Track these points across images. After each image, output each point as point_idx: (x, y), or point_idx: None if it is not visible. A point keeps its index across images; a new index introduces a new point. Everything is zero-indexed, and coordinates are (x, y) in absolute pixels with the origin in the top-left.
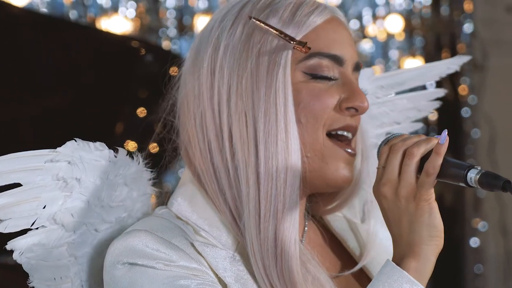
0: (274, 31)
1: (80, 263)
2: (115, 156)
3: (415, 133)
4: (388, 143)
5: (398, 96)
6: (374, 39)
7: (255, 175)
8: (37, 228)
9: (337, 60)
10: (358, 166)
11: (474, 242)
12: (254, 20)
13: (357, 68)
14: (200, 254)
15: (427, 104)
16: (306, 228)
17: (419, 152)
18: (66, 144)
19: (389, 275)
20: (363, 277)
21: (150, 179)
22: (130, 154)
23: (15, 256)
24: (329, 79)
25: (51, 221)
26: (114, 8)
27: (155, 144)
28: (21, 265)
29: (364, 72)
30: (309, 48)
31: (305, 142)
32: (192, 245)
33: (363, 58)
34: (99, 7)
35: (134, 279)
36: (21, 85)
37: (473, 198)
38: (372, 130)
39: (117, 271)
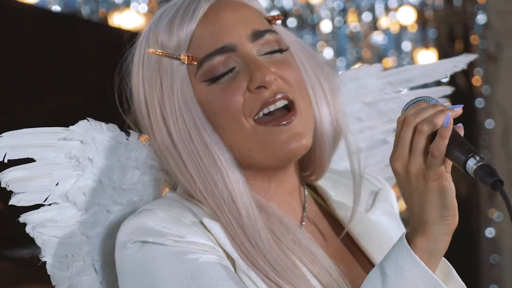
0: (163, 55)
1: (92, 243)
2: (127, 139)
3: None
4: (405, 113)
5: (406, 93)
6: (386, 31)
7: (202, 195)
8: (49, 205)
9: (227, 49)
10: (362, 162)
11: (489, 232)
12: (148, 51)
13: (255, 36)
14: (209, 231)
15: None
16: (306, 203)
17: (429, 129)
18: (78, 123)
19: (397, 254)
20: (357, 251)
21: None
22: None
23: (27, 229)
24: (227, 72)
25: (64, 199)
26: (126, 3)
27: None
28: (36, 260)
29: (373, 68)
30: (196, 57)
31: (240, 140)
32: (201, 222)
33: (375, 50)
34: (111, 2)
35: (144, 257)
36: (28, 84)
37: (488, 189)
38: (380, 126)
39: (128, 250)
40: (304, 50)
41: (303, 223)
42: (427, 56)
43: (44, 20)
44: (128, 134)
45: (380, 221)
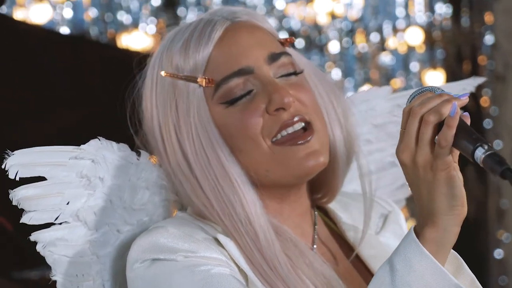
0: (178, 78)
1: (102, 263)
2: (138, 159)
3: None
4: (410, 104)
5: None
6: (394, 51)
7: (219, 218)
8: (60, 223)
9: (244, 72)
10: (373, 184)
11: (498, 253)
12: (161, 74)
13: (271, 58)
14: (223, 247)
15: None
16: (316, 225)
17: (435, 119)
18: (90, 142)
19: (406, 247)
20: (363, 269)
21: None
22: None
23: (38, 248)
24: (245, 94)
25: (74, 218)
26: (135, 24)
27: None
28: (44, 281)
29: (382, 90)
30: (213, 80)
31: (257, 161)
32: (215, 239)
33: (383, 71)
34: (119, 23)
35: (156, 273)
36: (37, 102)
37: (497, 210)
38: (389, 149)
39: (140, 268)
40: (316, 72)
41: (315, 246)
42: (435, 77)
43: (52, 42)
44: (138, 154)
45: (390, 244)
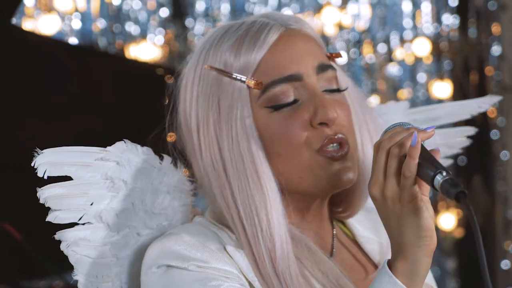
0: (225, 75)
1: (121, 265)
2: (160, 163)
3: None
4: (380, 139)
5: None
6: (402, 62)
7: (239, 221)
8: (83, 224)
9: (293, 78)
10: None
11: (505, 264)
12: (208, 68)
13: (320, 68)
14: (232, 258)
15: (457, 142)
16: (334, 233)
17: (400, 152)
18: (115, 144)
19: (381, 281)
20: None
21: (191, 190)
22: (174, 163)
23: (62, 247)
24: (291, 103)
25: (97, 219)
26: (143, 35)
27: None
28: None
29: (400, 105)
30: (261, 83)
31: (294, 167)
32: (225, 249)
33: (391, 82)
34: (127, 34)
35: (168, 282)
36: (47, 112)
37: (503, 221)
38: None
39: (153, 275)
40: (354, 90)
41: (332, 256)
42: (442, 88)
43: (61, 52)
44: (161, 158)
45: None
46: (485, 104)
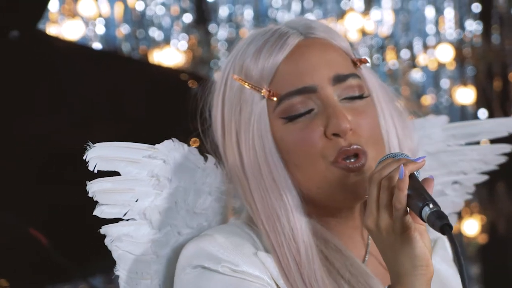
0: (247, 85)
1: (161, 263)
2: (204, 164)
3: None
4: (372, 171)
5: (468, 147)
6: (425, 68)
7: (263, 228)
8: (128, 220)
9: (307, 90)
10: None
11: None
12: (232, 77)
13: (336, 79)
14: (263, 264)
15: (494, 158)
16: (369, 242)
17: (390, 184)
18: (164, 142)
19: None
20: None
21: (231, 192)
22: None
23: (106, 241)
24: (305, 113)
25: (141, 216)
26: (166, 41)
27: None
28: None
29: (439, 119)
30: (276, 94)
31: (311, 178)
32: (256, 254)
33: (414, 88)
34: (151, 39)
35: (199, 285)
36: (71, 119)
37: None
38: (439, 177)
39: (186, 275)
40: (385, 94)
41: (366, 259)
42: (465, 94)
43: (85, 57)
44: (206, 158)
45: (439, 268)
46: None
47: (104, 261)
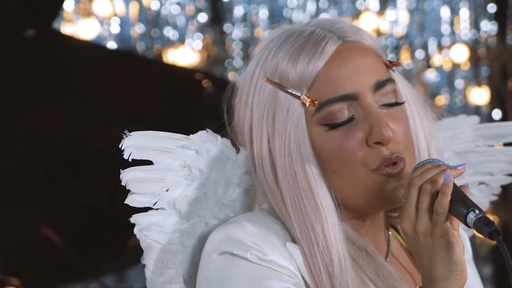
0: (282, 90)
1: (186, 253)
2: (236, 155)
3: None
4: (411, 175)
5: (497, 148)
6: (439, 68)
7: (296, 236)
8: (157, 209)
9: (350, 98)
10: None
11: None
12: (265, 80)
13: (377, 86)
14: (291, 255)
15: None
16: (390, 240)
17: (432, 189)
18: (198, 133)
19: None
20: None
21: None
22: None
23: (135, 230)
24: (347, 122)
25: (171, 205)
26: (181, 40)
27: None
28: None
29: (470, 119)
30: (316, 100)
31: (350, 185)
32: (285, 244)
33: (428, 88)
34: (166, 39)
35: (225, 271)
36: (88, 119)
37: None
38: (466, 177)
39: (213, 261)
40: (414, 97)
41: (387, 259)
42: (480, 94)
43: (100, 56)
44: (237, 150)
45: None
46: None
47: (116, 260)
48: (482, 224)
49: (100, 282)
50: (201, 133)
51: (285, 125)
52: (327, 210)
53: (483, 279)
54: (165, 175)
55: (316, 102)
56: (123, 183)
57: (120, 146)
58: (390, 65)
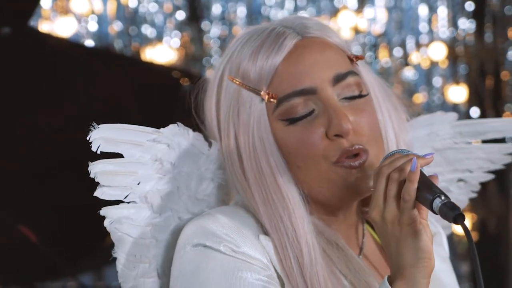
0: (244, 87)
1: (160, 247)
2: (209, 150)
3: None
4: (380, 165)
5: (475, 146)
6: (417, 66)
7: (270, 227)
8: (128, 202)
9: (308, 92)
10: None
11: None
12: (228, 78)
13: (336, 79)
14: (264, 248)
15: (500, 157)
16: (364, 237)
17: (400, 177)
18: (169, 126)
19: None
20: None
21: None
22: None
23: (105, 223)
24: (306, 115)
25: (142, 199)
26: (159, 38)
27: None
28: None
29: (448, 116)
30: (275, 96)
31: (313, 178)
32: (258, 237)
33: (406, 86)
34: (143, 36)
35: (199, 263)
36: (65, 117)
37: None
38: (445, 174)
39: (186, 254)
40: (382, 90)
41: (360, 256)
42: (458, 92)
43: (77, 54)
44: (210, 144)
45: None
46: None
47: (94, 258)
48: (447, 209)
49: (77, 280)
50: (172, 127)
51: (248, 121)
52: (293, 203)
53: (460, 276)
54: (136, 169)
55: (275, 98)
56: (92, 175)
57: (88, 138)
58: (354, 58)
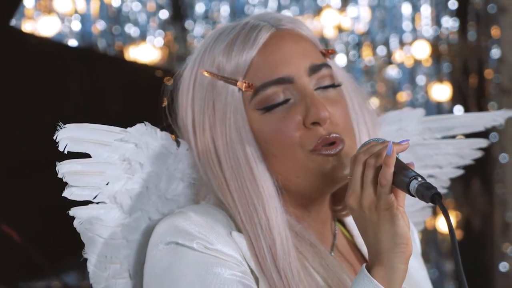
0: (218, 78)
1: (131, 248)
2: (177, 149)
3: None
4: (356, 153)
5: (444, 141)
6: (401, 65)
7: (240, 219)
8: (98, 203)
9: (284, 81)
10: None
11: (503, 266)
12: (202, 73)
13: (312, 70)
14: (237, 244)
15: (470, 153)
16: (336, 233)
17: (376, 162)
18: (136, 126)
19: (359, 282)
20: None
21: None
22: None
23: (75, 223)
24: (282, 103)
25: (111, 199)
26: (142, 37)
27: None
28: None
29: (415, 112)
30: (252, 85)
31: (290, 167)
32: (231, 234)
33: (390, 84)
34: (127, 36)
35: (172, 261)
36: (49, 116)
37: (502, 223)
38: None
39: (159, 252)
40: (353, 85)
41: (332, 253)
42: (441, 90)
43: (61, 54)
44: (178, 144)
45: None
46: (500, 117)
47: (78, 258)
48: (424, 189)
49: (61, 280)
50: (139, 126)
51: (224, 112)
52: (267, 193)
53: (444, 275)
54: (105, 168)
55: (252, 87)
56: (60, 176)
57: (54, 137)
58: (326, 53)
